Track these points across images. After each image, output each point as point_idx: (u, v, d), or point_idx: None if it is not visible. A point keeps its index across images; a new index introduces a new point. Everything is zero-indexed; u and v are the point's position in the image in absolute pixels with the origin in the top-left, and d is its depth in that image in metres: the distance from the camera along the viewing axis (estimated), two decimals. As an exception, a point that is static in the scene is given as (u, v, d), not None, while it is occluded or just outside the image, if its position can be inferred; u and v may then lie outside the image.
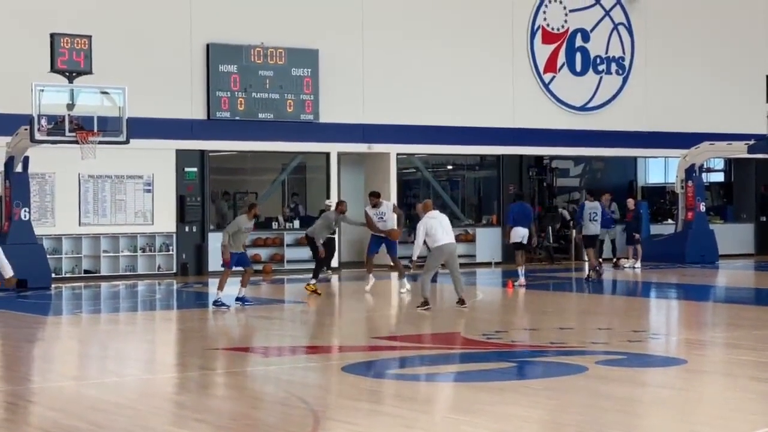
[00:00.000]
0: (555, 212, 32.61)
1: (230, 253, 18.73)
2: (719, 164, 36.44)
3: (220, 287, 18.77)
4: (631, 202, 29.29)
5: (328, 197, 27.23)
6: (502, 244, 29.98)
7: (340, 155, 28.22)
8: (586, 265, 25.48)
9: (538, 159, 32.43)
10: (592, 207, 24.46)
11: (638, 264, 27.91)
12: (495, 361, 12.71)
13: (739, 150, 29.90)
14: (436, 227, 17.82)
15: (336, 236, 25.96)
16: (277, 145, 27.40)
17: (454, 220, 31.36)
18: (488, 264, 29.11)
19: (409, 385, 11.44)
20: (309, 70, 27.32)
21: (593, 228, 24.29)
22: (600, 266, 24.41)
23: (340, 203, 22.11)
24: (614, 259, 28.88)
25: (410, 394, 10.87)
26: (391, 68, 28.25)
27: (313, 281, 21.11)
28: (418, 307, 17.88)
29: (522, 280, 22.36)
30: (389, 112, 28.21)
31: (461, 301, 18.03)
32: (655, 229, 31.58)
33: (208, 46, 26.40)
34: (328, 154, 28.00)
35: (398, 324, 17.67)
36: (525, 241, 22.49)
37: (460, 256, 29.12)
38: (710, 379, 11.88)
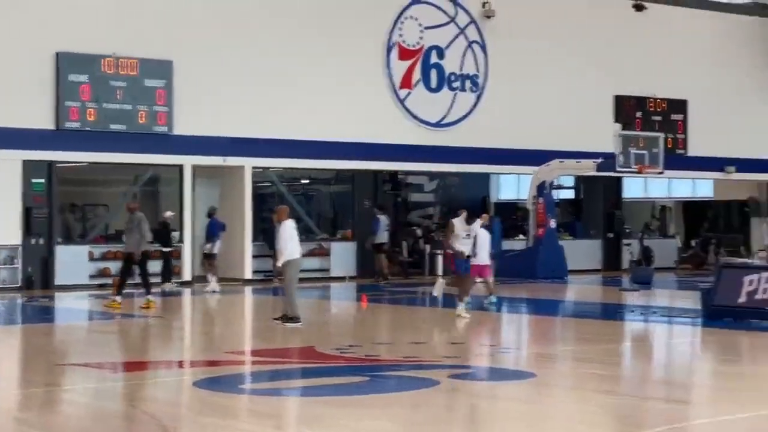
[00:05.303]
0: (409, 227, 32.85)
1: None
2: (569, 181, 37.23)
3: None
4: (485, 218, 29.62)
5: (180, 210, 27.02)
6: (356, 258, 30.07)
7: (194, 168, 27.89)
8: (380, 270, 28.60)
9: (393, 174, 32.64)
10: (385, 220, 28.93)
11: (491, 279, 28.22)
12: (349, 376, 12.68)
13: (588, 168, 30.61)
14: (295, 238, 17.55)
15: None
16: (129, 157, 26.90)
17: (309, 234, 31.38)
18: (342, 278, 29.13)
19: (262, 400, 11.33)
20: (163, 81, 26.94)
21: (383, 237, 28.65)
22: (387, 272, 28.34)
23: (131, 201, 21.51)
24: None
25: (262, 409, 10.76)
26: (247, 81, 28.04)
27: (150, 296, 20.68)
28: (275, 318, 17.61)
29: (214, 285, 24.82)
30: (245, 125, 28.01)
31: (285, 318, 17.50)
32: (507, 244, 32.04)
33: (57, 54, 25.81)
34: (181, 167, 27.65)
35: (252, 338, 17.51)
36: (214, 251, 25.64)
37: (314, 270, 29.42)
38: (558, 392, 12.07)
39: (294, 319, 17.37)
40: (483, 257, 20.49)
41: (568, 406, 11.27)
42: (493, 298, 21.20)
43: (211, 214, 26.29)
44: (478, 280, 21.02)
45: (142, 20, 26.92)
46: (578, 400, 11.55)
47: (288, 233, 17.39)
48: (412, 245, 31.73)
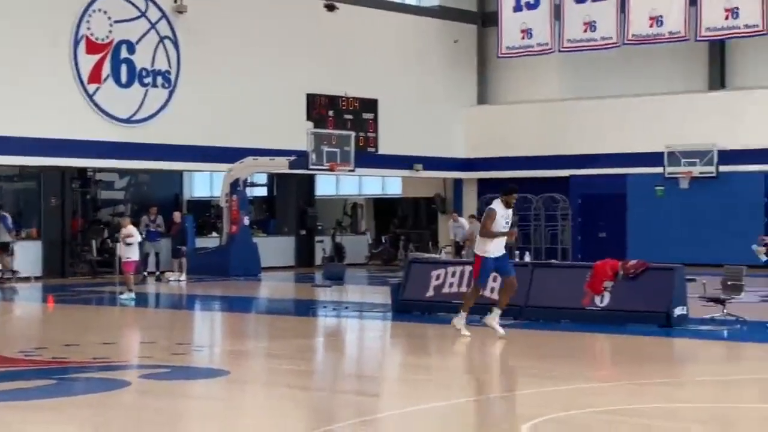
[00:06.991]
0: (99, 225, 32.06)
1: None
2: (263, 179, 37.41)
3: None
4: (177, 216, 29.38)
5: None
6: (42, 257, 29.08)
7: None
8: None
9: (82, 171, 31.69)
10: (5, 217, 27.86)
11: (183, 277, 28.00)
12: (34, 379, 12.21)
13: (281, 165, 30.84)
14: None
15: None
16: None
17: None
18: (28, 279, 28.03)
19: (-62, 409, 10.69)
20: None
21: (6, 236, 27.71)
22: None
23: None
24: (157, 273, 28.80)
25: (-62, 418, 10.15)
26: None
27: None
28: None
29: None
30: None
31: None
32: (201, 242, 31.84)
33: None
34: None
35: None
36: None
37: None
38: (252, 389, 12.06)
39: None
40: (133, 255, 22.43)
41: (262, 402, 11.28)
42: (132, 295, 21.86)
43: None
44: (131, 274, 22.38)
45: None
46: (272, 396, 11.58)
47: None
48: (100, 244, 30.97)
